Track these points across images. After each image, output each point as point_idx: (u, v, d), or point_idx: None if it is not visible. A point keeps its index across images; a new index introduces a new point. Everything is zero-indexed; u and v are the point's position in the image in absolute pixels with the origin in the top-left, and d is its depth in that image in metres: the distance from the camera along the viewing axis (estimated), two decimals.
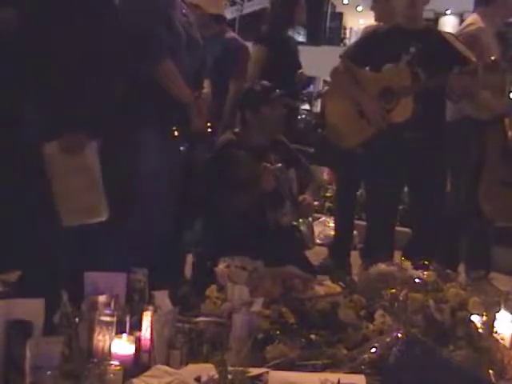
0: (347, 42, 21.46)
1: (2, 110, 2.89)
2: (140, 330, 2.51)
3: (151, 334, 2.49)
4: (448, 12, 19.37)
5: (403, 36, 4.04)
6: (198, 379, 2.31)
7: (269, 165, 3.75)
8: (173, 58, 3.31)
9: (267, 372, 2.37)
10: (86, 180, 2.96)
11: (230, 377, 2.24)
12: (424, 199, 4.12)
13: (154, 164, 3.30)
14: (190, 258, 3.91)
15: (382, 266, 3.32)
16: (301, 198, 3.91)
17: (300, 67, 5.05)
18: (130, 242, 3.19)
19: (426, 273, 3.23)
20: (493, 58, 3.94)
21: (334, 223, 5.17)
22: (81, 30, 2.89)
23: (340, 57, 4.27)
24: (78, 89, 2.87)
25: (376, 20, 4.86)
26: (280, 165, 3.80)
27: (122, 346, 2.40)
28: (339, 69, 4.24)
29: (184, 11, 3.49)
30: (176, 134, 3.41)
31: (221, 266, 3.20)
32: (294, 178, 3.91)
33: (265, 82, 3.99)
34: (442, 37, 4.12)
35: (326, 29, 22.82)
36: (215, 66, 4.24)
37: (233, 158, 3.75)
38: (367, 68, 4.14)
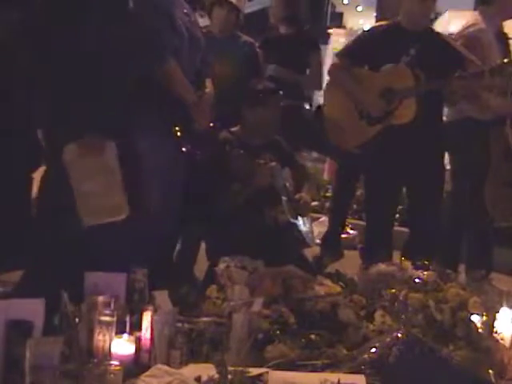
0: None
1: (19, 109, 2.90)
2: (140, 330, 2.51)
3: (151, 334, 2.49)
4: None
5: (403, 36, 4.03)
6: (198, 379, 2.31)
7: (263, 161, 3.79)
8: (175, 58, 3.31)
9: (267, 372, 2.37)
10: (106, 181, 2.95)
11: (230, 377, 2.24)
12: (422, 199, 4.12)
13: (157, 164, 3.29)
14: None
15: (382, 266, 3.32)
16: (297, 196, 3.93)
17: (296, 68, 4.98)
18: (131, 241, 3.19)
19: (425, 273, 3.23)
20: (498, 61, 3.93)
21: (329, 215, 5.16)
22: (97, 31, 2.91)
23: (337, 55, 4.26)
24: (96, 90, 2.89)
25: (384, 19, 4.82)
26: (275, 163, 3.82)
27: (122, 346, 2.40)
28: (337, 67, 4.23)
29: (185, 10, 3.48)
30: (179, 134, 3.41)
31: (221, 266, 3.20)
32: (289, 177, 3.93)
33: (268, 83, 4.01)
34: (441, 38, 4.12)
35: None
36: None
37: (228, 156, 3.77)
38: (366, 67, 4.14)
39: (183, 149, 3.48)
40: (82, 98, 2.88)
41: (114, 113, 2.97)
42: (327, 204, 6.41)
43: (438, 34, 4.18)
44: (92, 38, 2.89)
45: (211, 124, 3.64)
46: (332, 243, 4.84)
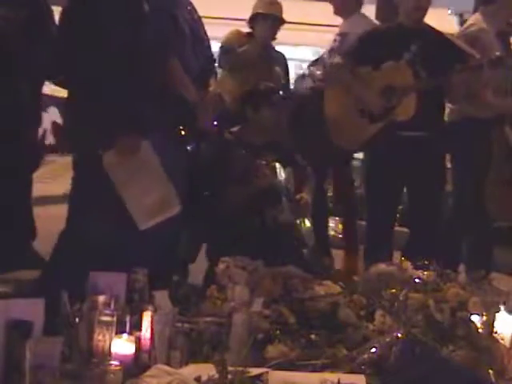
0: None
1: None
2: (140, 330, 2.51)
3: (151, 334, 2.49)
4: (448, 12, 19.35)
5: (404, 34, 4.04)
6: (198, 379, 2.30)
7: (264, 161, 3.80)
8: (177, 57, 3.30)
9: (267, 372, 2.36)
10: (149, 178, 3.01)
11: (230, 377, 2.24)
12: (422, 199, 4.12)
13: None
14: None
15: (382, 266, 3.32)
16: (298, 196, 3.94)
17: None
18: (131, 241, 3.19)
19: (426, 273, 3.23)
20: (497, 53, 3.94)
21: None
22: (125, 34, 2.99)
23: (339, 54, 4.27)
24: (125, 92, 2.94)
25: (335, 13, 4.87)
26: (276, 163, 3.83)
27: (122, 346, 2.39)
28: (338, 66, 4.23)
29: (189, 8, 3.48)
30: (182, 133, 3.41)
31: (221, 266, 3.20)
32: (290, 177, 3.94)
33: (269, 84, 4.02)
34: (442, 35, 4.13)
35: None
36: None
37: (230, 156, 3.78)
38: (367, 65, 4.14)
39: (187, 148, 3.48)
40: (114, 101, 2.91)
41: (146, 111, 3.02)
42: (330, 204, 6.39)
43: (438, 31, 4.19)
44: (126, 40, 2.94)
45: (214, 123, 3.64)
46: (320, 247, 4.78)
